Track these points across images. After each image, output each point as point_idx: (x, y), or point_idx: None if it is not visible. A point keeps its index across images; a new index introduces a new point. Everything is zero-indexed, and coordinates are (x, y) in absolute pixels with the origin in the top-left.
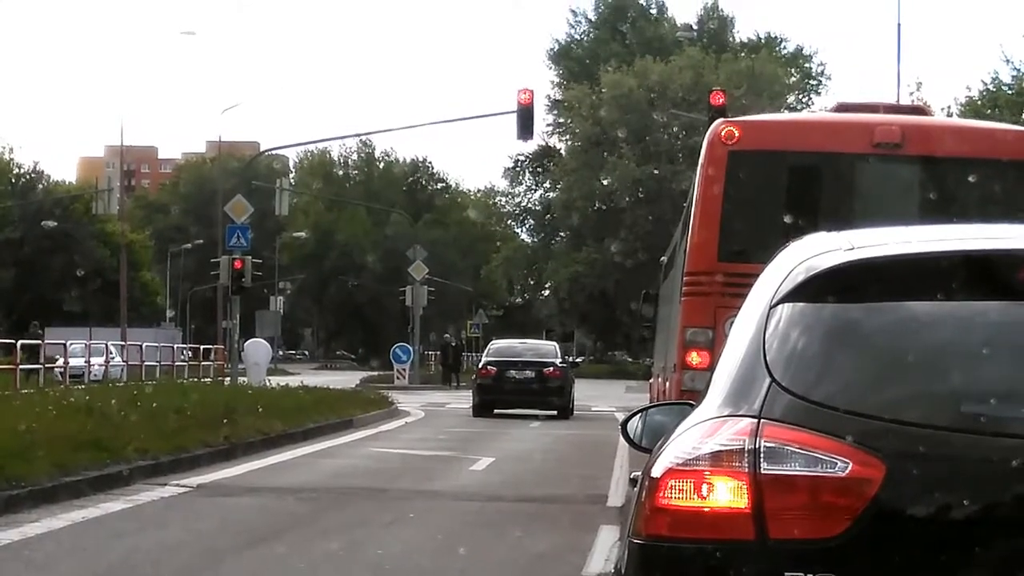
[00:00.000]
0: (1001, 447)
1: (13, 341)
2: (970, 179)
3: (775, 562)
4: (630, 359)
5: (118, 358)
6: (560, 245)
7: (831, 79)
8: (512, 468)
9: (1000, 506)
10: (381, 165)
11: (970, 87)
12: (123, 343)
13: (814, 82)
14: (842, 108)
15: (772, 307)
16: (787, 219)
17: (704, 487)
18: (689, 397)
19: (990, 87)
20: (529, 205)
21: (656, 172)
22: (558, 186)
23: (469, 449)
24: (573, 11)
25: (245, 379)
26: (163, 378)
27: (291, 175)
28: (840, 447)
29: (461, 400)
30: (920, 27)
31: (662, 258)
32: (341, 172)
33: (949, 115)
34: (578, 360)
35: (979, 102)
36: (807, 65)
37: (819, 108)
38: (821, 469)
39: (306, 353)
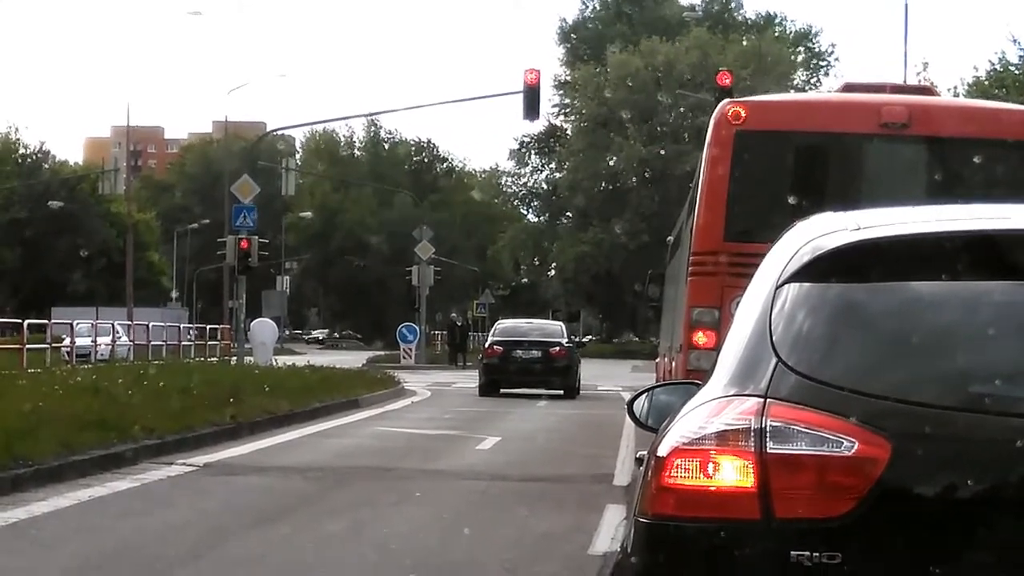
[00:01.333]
0: (1008, 427)
1: (20, 321)
2: (977, 159)
3: (781, 541)
4: (637, 339)
5: (124, 338)
6: (566, 226)
7: (839, 60)
8: (518, 447)
9: (1006, 486)
10: (387, 146)
11: (977, 67)
12: (129, 323)
13: (822, 63)
14: (849, 88)
15: (778, 287)
16: (793, 199)
17: (710, 466)
18: (695, 377)
19: (997, 67)
20: (535, 186)
21: (662, 152)
22: (564, 167)
23: (475, 428)
24: None
25: (251, 359)
26: (169, 358)
27: (297, 155)
28: (846, 427)
29: (467, 380)
30: (927, 7)
31: (668, 238)
32: (347, 153)
33: (956, 95)
34: (584, 340)
35: (986, 82)
36: (813, 45)
37: (826, 88)
38: (827, 448)
39: (318, 337)
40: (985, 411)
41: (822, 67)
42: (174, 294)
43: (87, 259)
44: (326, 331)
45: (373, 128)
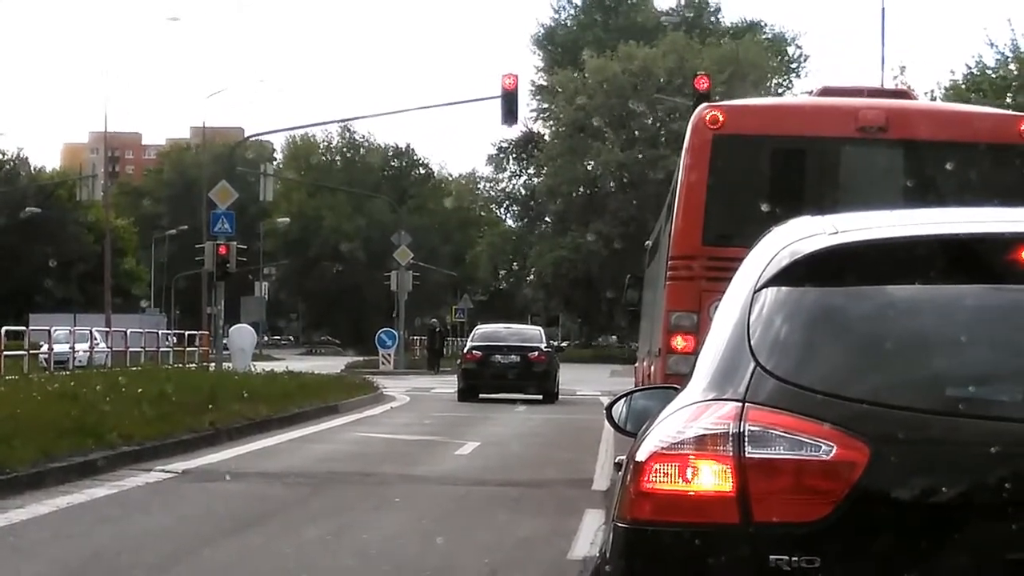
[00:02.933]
0: (986, 431)
1: None
2: (955, 163)
3: (759, 545)
4: (616, 343)
5: (102, 344)
6: (544, 230)
7: (809, 60)
8: (497, 452)
9: (984, 490)
10: (364, 151)
11: (954, 71)
12: (107, 329)
13: (797, 66)
14: (826, 92)
15: (756, 291)
16: (771, 203)
17: (689, 471)
18: (674, 381)
19: (974, 71)
20: (513, 191)
21: (640, 157)
22: (542, 172)
23: (454, 434)
24: None
25: (230, 365)
26: (148, 364)
27: (276, 161)
28: (824, 431)
29: (446, 385)
30: (904, 11)
31: (647, 242)
32: (325, 158)
33: (933, 99)
34: (563, 345)
35: (963, 86)
36: (788, 48)
37: (801, 92)
38: (805, 452)
39: (291, 338)
40: (964, 415)
41: (794, 70)
42: (144, 303)
43: (65, 265)
44: (291, 338)
45: (348, 133)
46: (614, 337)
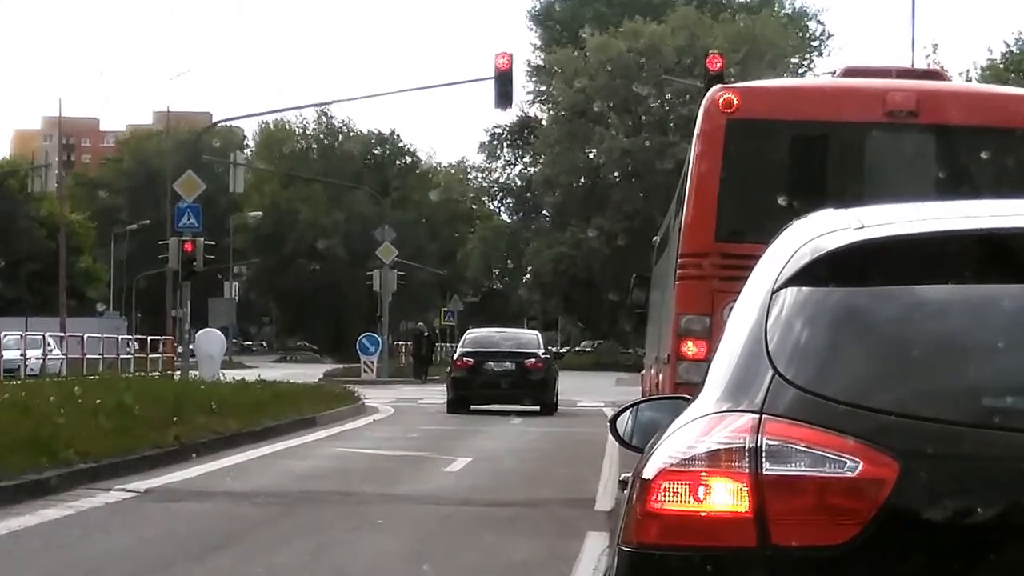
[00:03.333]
0: (1023, 444)
1: None
2: (991, 150)
3: (778, 571)
4: (621, 349)
5: (57, 351)
6: (542, 225)
7: (832, 38)
8: (490, 469)
9: (1021, 508)
10: (342, 138)
11: (991, 49)
12: (62, 334)
13: (816, 43)
14: (851, 73)
15: (775, 292)
16: (790, 195)
17: (700, 489)
18: (684, 390)
19: (1013, 49)
20: (508, 182)
21: (647, 144)
22: (539, 160)
23: (443, 449)
24: None
25: (197, 373)
26: (107, 372)
27: (246, 149)
28: (849, 445)
29: (434, 395)
30: None
31: (654, 238)
32: (301, 145)
33: (968, 80)
34: (562, 351)
35: (1001, 66)
36: (809, 24)
37: (823, 73)
38: (828, 469)
39: (264, 344)
40: (1002, 427)
41: (816, 48)
42: (101, 306)
43: (14, 264)
44: (263, 344)
45: (325, 118)
46: (617, 345)
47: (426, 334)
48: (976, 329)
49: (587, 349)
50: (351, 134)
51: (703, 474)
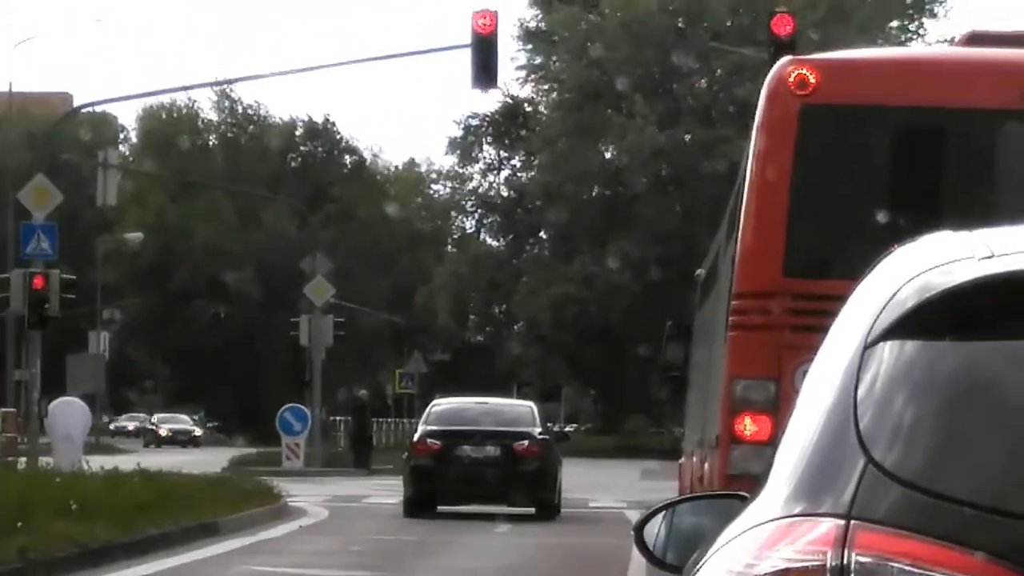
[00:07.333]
0: None
1: None
2: None
3: None
4: (651, 427)
5: None
6: (540, 253)
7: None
8: None
9: None
10: (254, 129)
11: None
12: None
13: (929, 3)
14: (976, 40)
15: (868, 347)
16: (890, 210)
17: None
18: (739, 486)
19: None
20: (490, 192)
21: (687, 139)
22: (534, 162)
23: (400, 568)
24: None
25: (51, 460)
26: None
27: (122, 145)
28: (977, 563)
29: (385, 492)
30: None
31: (698, 272)
32: (196, 139)
33: None
34: (568, 429)
35: None
36: None
37: (936, 40)
38: None
39: (147, 419)
40: None
41: (925, 6)
42: None
43: None
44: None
45: (228, 101)
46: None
47: (371, 405)
48: None
49: (602, 427)
50: (267, 123)
51: None
